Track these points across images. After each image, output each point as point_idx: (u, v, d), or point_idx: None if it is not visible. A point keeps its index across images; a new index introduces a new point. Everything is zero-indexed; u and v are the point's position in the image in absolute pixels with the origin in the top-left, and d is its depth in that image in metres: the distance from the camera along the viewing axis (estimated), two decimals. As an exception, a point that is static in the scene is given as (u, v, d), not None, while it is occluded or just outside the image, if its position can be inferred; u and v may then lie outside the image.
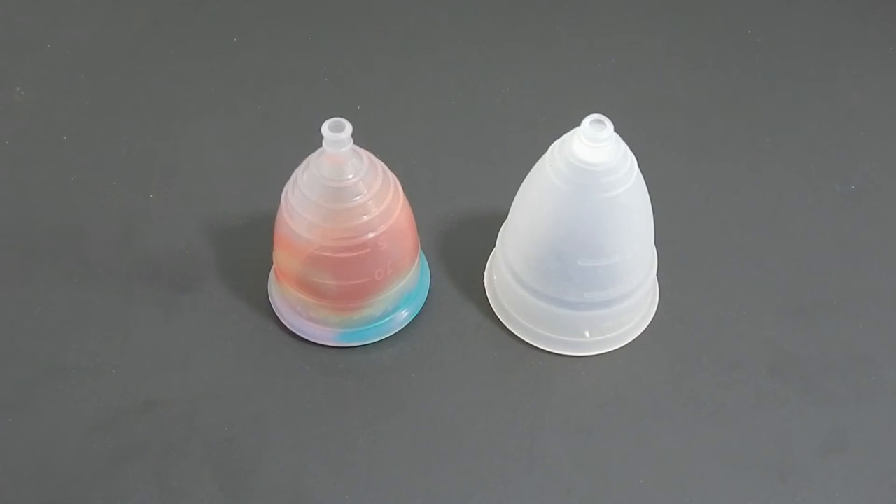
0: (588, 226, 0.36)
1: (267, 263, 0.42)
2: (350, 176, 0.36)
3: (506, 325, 0.41)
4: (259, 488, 0.36)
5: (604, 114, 0.35)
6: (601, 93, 0.53)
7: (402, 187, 0.39)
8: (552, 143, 0.37)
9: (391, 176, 0.38)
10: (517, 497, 0.35)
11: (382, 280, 0.38)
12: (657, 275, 0.41)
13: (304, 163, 0.37)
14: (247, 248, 0.44)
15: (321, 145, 0.36)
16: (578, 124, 0.35)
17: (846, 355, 0.40)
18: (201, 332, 0.40)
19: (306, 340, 0.40)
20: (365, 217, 0.36)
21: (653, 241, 0.40)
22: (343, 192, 0.36)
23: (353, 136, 0.35)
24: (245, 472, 0.36)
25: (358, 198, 0.36)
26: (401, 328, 0.41)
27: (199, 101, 0.52)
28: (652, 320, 0.41)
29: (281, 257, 0.39)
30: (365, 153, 0.37)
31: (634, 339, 0.41)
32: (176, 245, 0.44)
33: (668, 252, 0.42)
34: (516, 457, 0.37)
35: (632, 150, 0.36)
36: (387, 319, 0.40)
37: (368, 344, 0.40)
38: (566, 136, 0.37)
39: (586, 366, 0.40)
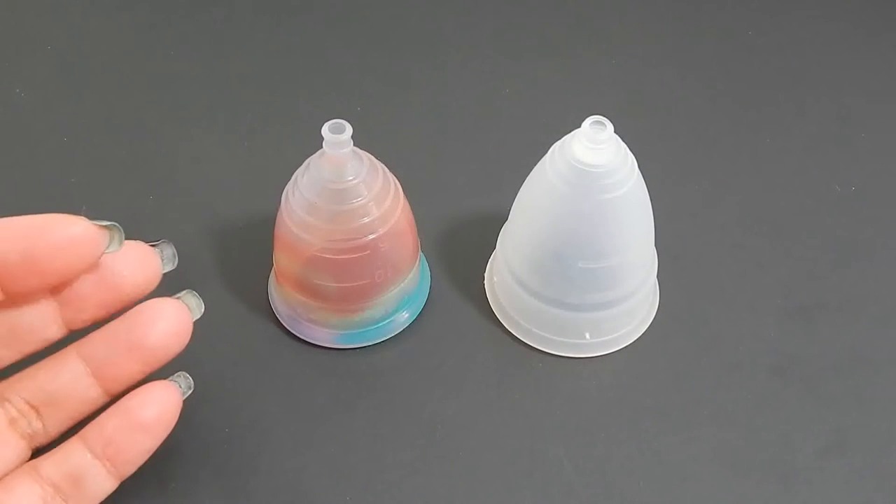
0: (588, 227, 0.36)
1: (267, 265, 0.42)
2: (350, 177, 0.36)
3: (506, 326, 0.41)
4: (259, 489, 0.36)
5: (604, 115, 0.35)
6: (601, 94, 0.53)
7: (403, 189, 0.39)
8: (553, 144, 0.37)
9: (391, 177, 0.38)
10: (517, 498, 0.35)
11: (383, 282, 0.38)
12: (657, 276, 0.41)
13: (305, 164, 0.37)
14: (247, 249, 0.44)
15: (321, 147, 0.36)
16: (579, 126, 0.35)
17: (847, 356, 0.40)
18: (201, 333, 0.40)
19: (306, 342, 0.40)
20: (365, 219, 0.36)
21: (653, 242, 0.40)
22: (343, 193, 0.36)
23: (353, 137, 0.35)
24: (245, 474, 0.36)
25: (358, 199, 0.36)
26: (401, 330, 0.41)
27: (200, 101, 0.52)
28: (652, 322, 0.41)
29: (281, 259, 0.39)
30: (365, 155, 0.37)
31: (635, 341, 0.41)
32: (176, 247, 0.44)
33: (669, 253, 0.42)
34: (516, 458, 0.37)
35: (632, 151, 0.36)
36: (387, 321, 0.40)
37: (369, 346, 0.40)
38: (567, 137, 0.37)
39: (587, 367, 0.40)
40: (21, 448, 0.30)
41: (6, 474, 0.30)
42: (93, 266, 0.29)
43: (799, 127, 0.51)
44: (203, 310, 0.32)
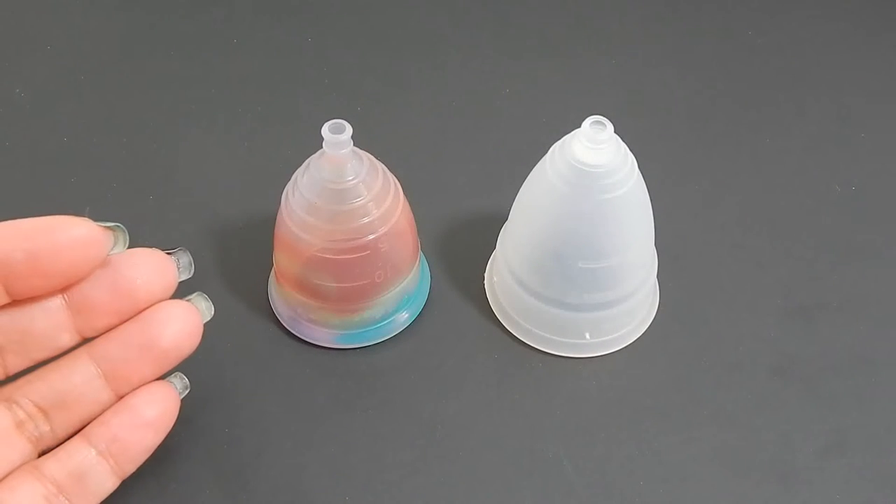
0: (588, 227, 0.36)
1: (267, 265, 0.42)
2: (350, 178, 0.36)
3: (506, 326, 0.41)
4: (259, 490, 0.36)
5: (604, 115, 0.35)
6: (601, 94, 0.53)
7: (403, 189, 0.39)
8: (553, 144, 0.37)
9: (391, 177, 0.38)
10: (517, 498, 0.35)
11: (382, 282, 0.38)
12: (657, 276, 0.41)
13: (305, 164, 0.37)
14: (247, 250, 0.44)
15: (321, 147, 0.36)
16: (579, 126, 0.35)
17: (847, 356, 0.40)
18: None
19: (306, 342, 0.40)
20: (365, 219, 0.36)
21: (653, 242, 0.40)
22: (343, 193, 0.36)
23: (353, 137, 0.35)
24: (245, 474, 0.36)
25: (358, 199, 0.36)
26: (401, 330, 0.41)
27: (199, 102, 0.52)
28: (652, 322, 0.41)
29: (281, 259, 0.39)
30: (365, 155, 0.37)
31: (635, 341, 0.41)
32: (176, 247, 0.44)
33: (669, 253, 0.42)
34: (516, 458, 0.37)
35: (632, 151, 0.37)
36: (387, 321, 0.40)
37: (369, 346, 0.40)
38: (567, 137, 0.37)
39: (587, 367, 0.40)
40: (27, 451, 0.30)
41: (8, 473, 0.30)
42: (97, 267, 0.29)
43: (799, 127, 0.51)
44: (213, 312, 0.33)
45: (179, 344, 0.31)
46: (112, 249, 0.29)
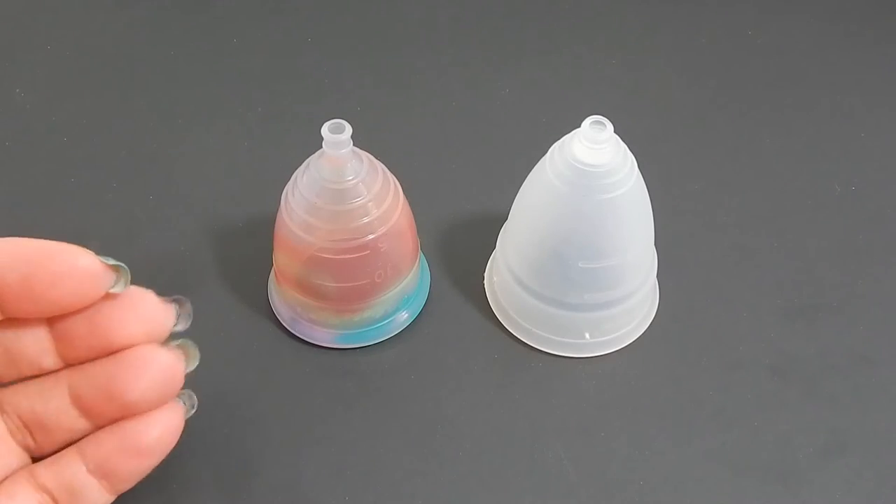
0: (588, 227, 0.36)
1: (267, 265, 0.42)
2: (350, 177, 0.36)
3: (506, 326, 0.41)
4: (259, 490, 0.36)
5: (604, 115, 0.35)
6: (602, 94, 0.53)
7: (403, 189, 0.39)
8: (552, 144, 0.37)
9: (391, 177, 0.38)
10: (517, 499, 0.35)
11: (382, 282, 0.38)
12: (657, 276, 0.41)
13: (304, 164, 0.37)
14: (247, 249, 0.44)
15: (321, 147, 0.36)
16: (579, 126, 0.35)
17: (847, 357, 0.40)
18: (201, 333, 0.40)
19: (306, 342, 0.40)
20: (365, 219, 0.36)
21: (653, 242, 0.40)
22: (343, 193, 0.36)
23: (353, 137, 0.35)
24: (245, 474, 0.36)
25: (358, 199, 0.36)
26: (401, 330, 0.41)
27: (199, 102, 0.52)
28: (652, 322, 0.41)
29: (281, 259, 0.39)
30: (365, 154, 0.37)
31: (635, 341, 0.41)
32: (176, 247, 0.44)
33: (669, 253, 0.42)
34: (516, 458, 0.37)
35: (632, 150, 0.37)
36: (387, 321, 0.40)
37: (369, 346, 0.40)
38: (566, 137, 0.37)
39: (586, 367, 0.40)
40: (23, 456, 0.30)
41: (6, 478, 0.30)
42: (92, 303, 0.28)
43: (799, 127, 0.51)
44: (198, 362, 0.30)
45: (149, 398, 0.28)
46: (112, 288, 0.27)
